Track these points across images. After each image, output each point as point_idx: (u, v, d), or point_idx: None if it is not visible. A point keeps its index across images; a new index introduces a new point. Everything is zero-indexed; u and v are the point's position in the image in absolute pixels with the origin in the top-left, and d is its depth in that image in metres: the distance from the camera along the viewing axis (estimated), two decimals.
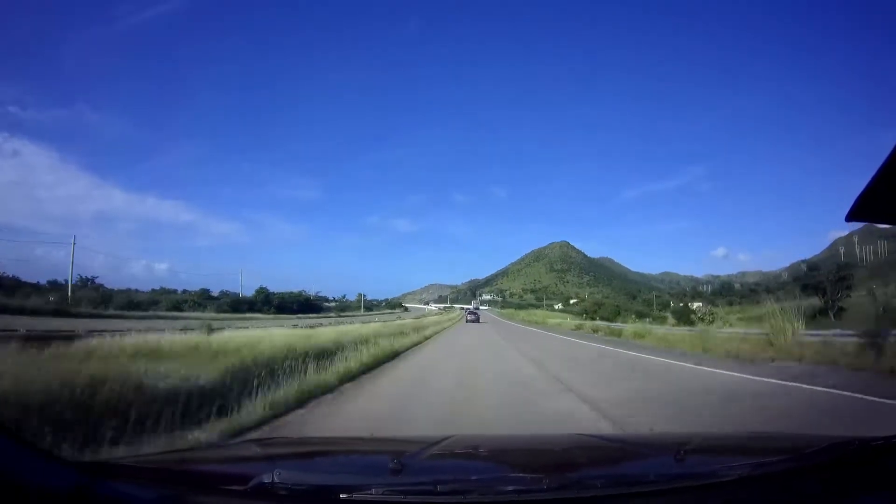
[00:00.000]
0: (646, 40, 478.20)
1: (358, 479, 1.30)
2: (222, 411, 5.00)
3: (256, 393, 5.91)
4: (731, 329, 19.32)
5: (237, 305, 65.26)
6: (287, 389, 6.56)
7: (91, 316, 29.70)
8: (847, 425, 5.30)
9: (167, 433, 3.83)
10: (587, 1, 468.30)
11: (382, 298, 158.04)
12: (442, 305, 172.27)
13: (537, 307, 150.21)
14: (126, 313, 36.16)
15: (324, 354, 9.82)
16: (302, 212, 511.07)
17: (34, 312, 27.15)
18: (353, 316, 61.61)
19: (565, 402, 6.98)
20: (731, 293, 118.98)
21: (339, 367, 9.16)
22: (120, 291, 61.02)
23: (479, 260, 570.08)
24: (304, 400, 6.66)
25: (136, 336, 8.72)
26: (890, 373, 8.69)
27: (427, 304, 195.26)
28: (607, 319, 41.51)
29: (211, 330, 13.82)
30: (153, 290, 72.52)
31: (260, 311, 63.10)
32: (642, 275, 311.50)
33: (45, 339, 7.53)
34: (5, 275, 49.37)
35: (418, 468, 1.46)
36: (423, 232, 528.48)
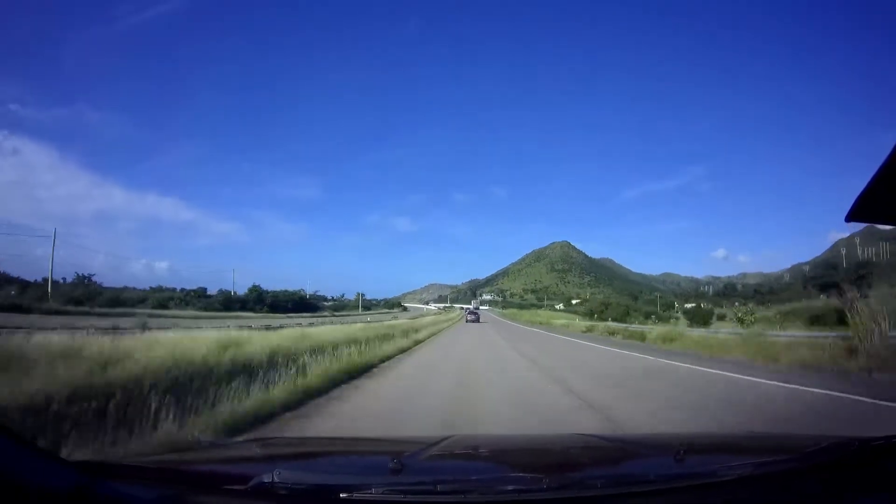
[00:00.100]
0: (646, 40, 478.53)
1: (358, 478, 1.30)
2: None
3: None
4: (782, 331, 16.69)
5: (228, 304, 64.19)
6: None
7: (55, 312, 28.90)
8: None
9: None
10: (587, 1, 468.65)
11: (382, 298, 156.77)
12: (442, 305, 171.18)
13: (538, 307, 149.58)
14: (97, 310, 35.05)
15: (245, 371, 6.38)
16: (302, 211, 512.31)
17: None
18: (348, 315, 59.23)
19: None
20: (734, 293, 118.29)
21: (226, 409, 4.98)
22: (110, 289, 60.53)
23: (479, 260, 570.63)
24: None
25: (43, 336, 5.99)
26: None
27: (427, 303, 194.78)
28: (616, 320, 39.28)
29: (145, 329, 12.08)
30: (150, 289, 71.76)
31: (252, 309, 62.02)
32: (643, 275, 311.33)
33: None
34: None
35: (418, 468, 1.46)
36: (423, 231, 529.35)
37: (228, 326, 15.10)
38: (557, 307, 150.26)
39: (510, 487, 1.24)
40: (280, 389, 6.35)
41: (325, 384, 7.60)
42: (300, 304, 77.11)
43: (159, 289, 72.29)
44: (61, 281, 57.21)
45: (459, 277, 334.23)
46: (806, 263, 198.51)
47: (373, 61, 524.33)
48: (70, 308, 34.71)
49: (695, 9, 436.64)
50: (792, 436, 2.42)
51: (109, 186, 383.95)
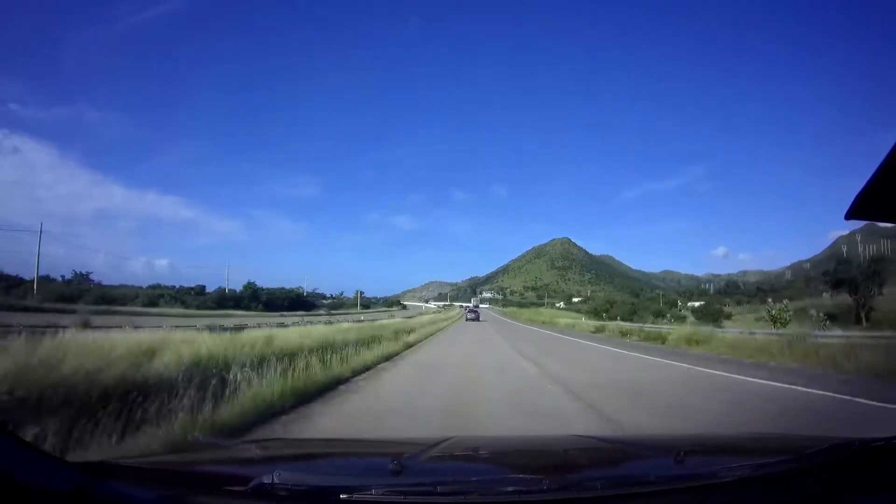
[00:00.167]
0: (646, 40, 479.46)
1: (358, 479, 1.30)
2: None
3: None
4: (825, 331, 14.94)
5: (222, 301, 63.18)
6: None
7: (31, 310, 28.41)
8: None
9: None
10: (587, 1, 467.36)
11: (382, 296, 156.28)
12: (441, 303, 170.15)
13: (539, 305, 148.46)
14: (73, 307, 33.40)
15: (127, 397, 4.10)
16: (302, 210, 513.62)
17: None
18: (344, 314, 55.78)
19: None
20: (737, 291, 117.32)
21: None
22: (108, 287, 60.32)
23: (479, 258, 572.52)
24: None
25: None
26: None
27: (427, 301, 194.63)
28: (623, 320, 37.25)
29: (86, 328, 10.71)
30: (147, 287, 71.22)
31: (247, 307, 61.06)
32: (643, 273, 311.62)
33: None
34: None
35: (418, 469, 1.47)
36: (423, 230, 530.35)
37: (196, 326, 13.30)
38: (558, 305, 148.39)
39: (510, 489, 1.25)
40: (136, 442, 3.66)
41: (249, 417, 5.09)
42: (296, 302, 75.61)
43: (157, 286, 71.80)
44: (60, 279, 57.46)
45: (459, 275, 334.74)
46: (807, 261, 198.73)
47: (373, 61, 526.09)
48: (47, 305, 33.65)
49: (695, 9, 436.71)
50: (792, 436, 2.42)
51: (110, 185, 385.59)
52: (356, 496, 1.14)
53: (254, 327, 16.15)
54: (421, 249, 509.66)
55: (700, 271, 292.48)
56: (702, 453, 1.75)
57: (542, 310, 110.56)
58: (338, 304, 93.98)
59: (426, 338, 22.50)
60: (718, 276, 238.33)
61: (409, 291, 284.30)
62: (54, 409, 3.42)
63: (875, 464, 1.40)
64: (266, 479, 1.14)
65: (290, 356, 7.72)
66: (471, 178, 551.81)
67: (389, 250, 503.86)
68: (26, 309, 29.15)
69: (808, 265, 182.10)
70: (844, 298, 39.13)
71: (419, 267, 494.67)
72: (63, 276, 58.99)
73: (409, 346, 16.94)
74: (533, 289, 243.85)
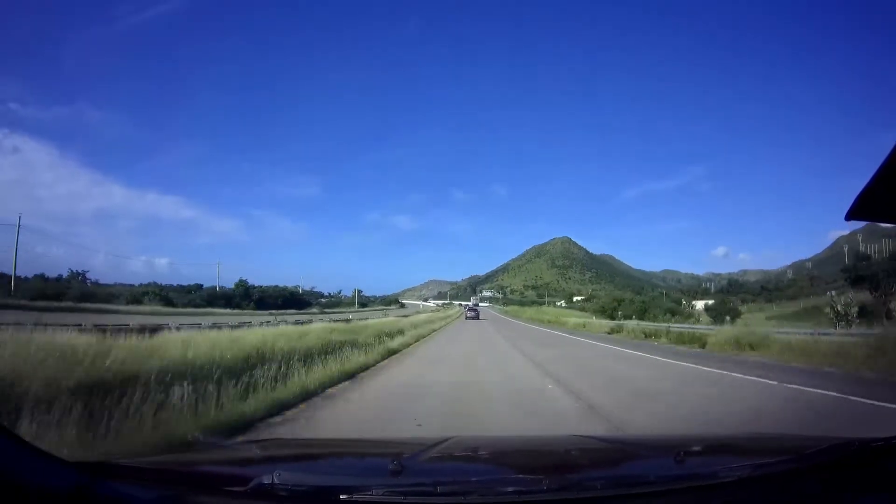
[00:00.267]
0: (646, 40, 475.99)
1: (358, 480, 1.30)
2: None
3: None
4: None
5: (213, 299, 62.19)
6: None
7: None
8: None
9: None
10: (587, 1, 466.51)
11: (381, 295, 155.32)
12: (441, 302, 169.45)
13: (540, 304, 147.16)
14: (38, 304, 32.21)
15: None
16: (302, 210, 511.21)
17: None
18: (338, 312, 53.57)
19: None
20: (740, 290, 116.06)
21: None
22: (98, 285, 59.34)
23: (479, 257, 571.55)
24: None
25: None
26: None
27: (426, 300, 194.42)
28: (634, 319, 35.08)
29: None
30: (139, 285, 69.45)
31: (239, 305, 60.11)
32: (644, 272, 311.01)
33: None
34: None
35: (418, 469, 1.47)
36: (423, 229, 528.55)
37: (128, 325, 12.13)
38: (559, 304, 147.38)
39: (510, 489, 1.25)
40: None
41: None
42: (290, 301, 74.11)
43: (149, 285, 70.05)
44: (57, 278, 57.28)
45: (459, 274, 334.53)
46: (808, 260, 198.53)
47: (373, 61, 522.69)
48: (11, 302, 32.13)
49: (695, 9, 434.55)
50: (792, 436, 2.42)
51: (110, 185, 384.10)
52: (356, 496, 1.14)
53: (205, 328, 12.96)
54: (421, 249, 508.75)
55: (700, 270, 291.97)
56: (702, 453, 1.76)
57: (545, 308, 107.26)
58: (335, 303, 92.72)
59: (417, 341, 19.15)
60: (719, 275, 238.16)
61: (408, 290, 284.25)
62: None
63: (875, 464, 1.40)
64: (266, 479, 1.14)
65: (177, 380, 5.10)
66: (471, 178, 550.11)
67: (389, 250, 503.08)
68: None
69: (809, 264, 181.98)
70: (860, 296, 37.38)
71: (419, 266, 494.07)
72: (60, 275, 59.05)
73: (391, 353, 13.70)
74: (533, 288, 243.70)
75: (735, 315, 38.94)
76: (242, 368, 6.67)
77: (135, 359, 5.20)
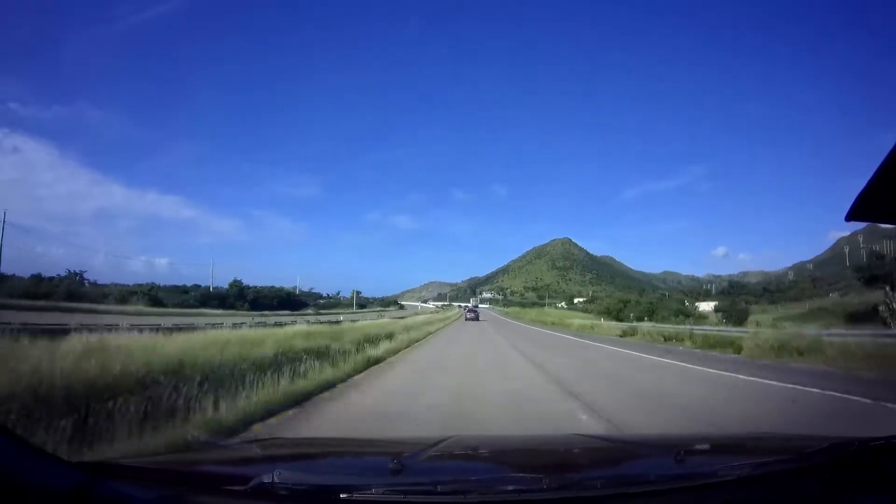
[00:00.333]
0: (646, 41, 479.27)
1: (358, 479, 1.30)
2: None
3: None
4: None
5: (206, 300, 61.72)
6: None
7: None
8: None
9: None
10: (587, 1, 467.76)
11: (381, 296, 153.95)
12: (440, 303, 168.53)
13: (541, 305, 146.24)
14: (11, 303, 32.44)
15: None
16: (302, 210, 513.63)
17: None
18: (332, 314, 51.49)
19: None
20: (742, 292, 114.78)
21: None
22: (103, 285, 59.99)
23: (479, 258, 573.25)
24: None
25: None
26: None
27: (425, 301, 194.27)
28: (642, 321, 33.99)
29: None
30: (134, 284, 68.34)
31: (233, 306, 59.46)
32: (644, 273, 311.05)
33: None
34: None
35: (418, 468, 1.47)
36: (423, 230, 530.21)
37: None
38: (560, 305, 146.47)
39: (510, 488, 1.25)
40: None
41: None
42: (286, 302, 73.58)
43: (141, 285, 68.50)
44: (53, 277, 57.34)
45: (459, 275, 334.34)
46: (808, 261, 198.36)
47: (373, 61, 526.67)
48: None
49: (695, 9, 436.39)
50: (792, 436, 2.42)
51: (109, 185, 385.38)
52: (356, 495, 1.14)
53: (163, 329, 11.20)
54: (421, 249, 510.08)
55: (700, 272, 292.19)
56: (702, 453, 1.76)
57: (547, 310, 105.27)
58: (333, 304, 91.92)
59: (408, 346, 16.76)
60: (719, 276, 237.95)
61: (408, 291, 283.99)
62: None
63: (875, 464, 1.40)
64: (266, 479, 1.14)
65: None
66: (471, 178, 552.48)
67: (389, 250, 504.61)
68: None
69: (810, 265, 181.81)
70: (873, 296, 35.31)
71: (419, 267, 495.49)
72: (58, 275, 59.08)
73: (370, 363, 10.98)
74: (533, 289, 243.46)
75: (745, 317, 38.06)
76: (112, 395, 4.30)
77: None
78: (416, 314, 58.90)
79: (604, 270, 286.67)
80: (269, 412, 5.79)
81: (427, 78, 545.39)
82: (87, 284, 59.27)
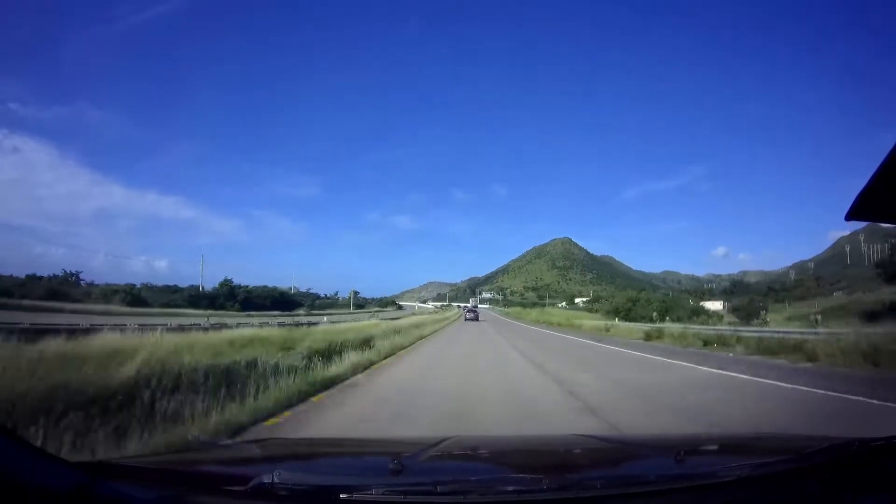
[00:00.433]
0: (646, 41, 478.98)
1: (358, 479, 1.30)
2: None
3: None
4: None
5: (195, 300, 60.03)
6: None
7: None
8: None
9: None
10: (587, 1, 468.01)
11: (380, 296, 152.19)
12: (439, 304, 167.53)
13: (541, 306, 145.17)
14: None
15: None
16: (302, 210, 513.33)
17: None
18: (325, 314, 47.82)
19: None
20: (745, 291, 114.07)
21: None
22: (98, 285, 59.19)
23: (479, 258, 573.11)
24: None
25: None
26: None
27: (424, 301, 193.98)
28: (649, 321, 31.61)
29: None
30: (126, 284, 66.20)
31: (223, 306, 57.83)
32: (644, 273, 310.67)
33: None
34: None
35: (418, 469, 1.47)
36: (423, 230, 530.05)
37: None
38: (560, 305, 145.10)
39: (510, 488, 1.25)
40: None
41: None
42: (279, 302, 71.48)
43: (125, 284, 66.49)
44: (51, 277, 57.53)
45: (459, 276, 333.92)
46: (809, 261, 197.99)
47: (373, 61, 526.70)
48: None
49: (695, 9, 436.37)
50: (792, 436, 2.42)
51: (109, 185, 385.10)
52: (356, 496, 1.14)
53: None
54: (420, 249, 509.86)
55: (700, 271, 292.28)
56: (702, 453, 1.75)
57: (550, 310, 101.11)
58: (329, 304, 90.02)
59: (388, 357, 12.96)
60: (719, 276, 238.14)
61: (407, 292, 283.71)
62: None
63: (875, 464, 1.40)
64: (266, 479, 1.14)
65: None
66: (471, 178, 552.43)
67: (389, 250, 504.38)
68: None
69: (811, 265, 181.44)
70: (884, 294, 35.15)
71: (418, 267, 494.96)
72: (55, 275, 59.08)
73: (325, 386, 7.64)
74: (533, 289, 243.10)
75: (757, 315, 36.83)
76: None
77: None
78: (414, 314, 58.12)
79: (604, 270, 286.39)
80: None
81: (427, 78, 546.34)
82: (82, 284, 59.01)
